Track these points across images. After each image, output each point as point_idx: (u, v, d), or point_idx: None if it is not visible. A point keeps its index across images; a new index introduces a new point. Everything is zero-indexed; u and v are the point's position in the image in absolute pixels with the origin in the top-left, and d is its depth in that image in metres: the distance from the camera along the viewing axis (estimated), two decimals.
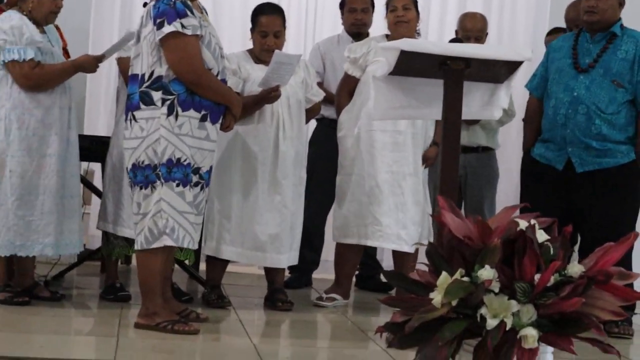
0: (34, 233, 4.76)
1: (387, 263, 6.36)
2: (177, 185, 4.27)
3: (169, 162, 4.25)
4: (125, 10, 6.78)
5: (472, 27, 5.90)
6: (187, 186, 4.29)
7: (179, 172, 4.27)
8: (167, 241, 4.27)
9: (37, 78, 4.74)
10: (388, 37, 5.37)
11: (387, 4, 5.38)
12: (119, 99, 5.23)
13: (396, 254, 5.41)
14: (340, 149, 5.39)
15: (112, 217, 5.12)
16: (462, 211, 5.84)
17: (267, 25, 5.12)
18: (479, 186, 5.96)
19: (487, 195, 5.97)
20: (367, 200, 5.24)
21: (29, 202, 4.75)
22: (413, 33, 5.33)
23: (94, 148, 5.44)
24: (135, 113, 4.30)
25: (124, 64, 5.03)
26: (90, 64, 4.91)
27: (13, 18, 4.76)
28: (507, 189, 6.35)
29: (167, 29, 4.22)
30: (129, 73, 4.39)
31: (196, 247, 4.48)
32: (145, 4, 5.42)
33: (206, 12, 4.58)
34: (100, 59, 4.92)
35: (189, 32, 4.24)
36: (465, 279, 2.82)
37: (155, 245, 4.28)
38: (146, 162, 4.28)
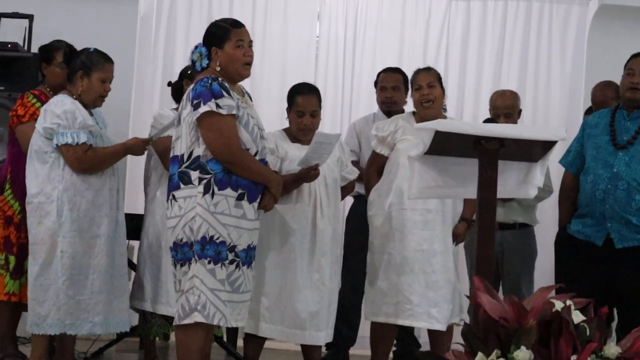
0: (84, 312, 4.84)
1: (425, 339, 6.34)
2: (209, 262, 4.32)
3: (203, 239, 4.31)
4: (164, 93, 6.89)
5: (500, 105, 5.97)
6: (219, 264, 4.33)
7: (211, 249, 4.32)
8: (197, 317, 4.30)
9: (89, 161, 4.86)
10: (415, 115, 5.42)
11: (412, 83, 5.43)
12: (150, 179, 5.32)
13: (431, 333, 5.36)
14: (371, 228, 5.38)
15: (151, 295, 5.17)
16: (500, 289, 5.87)
17: (304, 105, 5.20)
18: (516, 264, 5.93)
19: (524, 272, 5.93)
20: (397, 279, 5.21)
21: (79, 282, 4.83)
22: (440, 110, 5.36)
23: (135, 226, 5.51)
24: (175, 193, 4.38)
25: (162, 144, 5.13)
26: (139, 147, 5.03)
27: (66, 103, 4.88)
28: (545, 266, 6.28)
29: (203, 108, 4.32)
30: (171, 154, 4.47)
31: (231, 325, 4.47)
32: (169, 84, 5.57)
33: (249, 96, 4.67)
34: (148, 141, 5.04)
35: (224, 111, 4.33)
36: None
37: (186, 321, 4.32)
38: (184, 240, 4.34)
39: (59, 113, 4.85)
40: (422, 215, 5.21)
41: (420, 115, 5.29)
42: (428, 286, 5.19)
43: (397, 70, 6.30)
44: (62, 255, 4.81)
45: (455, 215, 5.40)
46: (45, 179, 4.87)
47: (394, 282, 5.22)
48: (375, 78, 6.40)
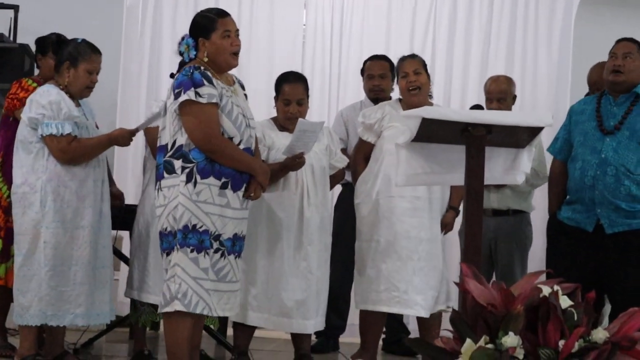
0: (66, 303, 4.81)
1: (414, 326, 6.36)
2: (192, 251, 4.31)
3: (185, 228, 4.30)
4: (151, 84, 6.89)
5: (494, 89, 5.95)
6: (202, 252, 4.32)
7: (193, 238, 4.31)
8: (177, 306, 4.29)
9: (73, 152, 4.84)
10: (401, 102, 5.41)
11: (397, 70, 5.43)
12: (146, 168, 5.32)
13: (420, 320, 5.36)
14: (358, 216, 5.37)
15: (138, 284, 5.18)
16: (494, 276, 5.87)
17: (290, 93, 5.20)
18: (509, 250, 5.91)
19: (517, 259, 5.92)
20: (385, 267, 5.20)
21: (61, 273, 4.81)
22: (426, 97, 5.36)
23: (122, 216, 5.50)
24: (161, 182, 4.39)
25: (151, 135, 5.12)
26: (125, 138, 5.00)
27: (52, 93, 4.86)
28: (537, 252, 6.26)
29: (182, 97, 4.32)
30: (158, 144, 4.47)
31: (215, 314, 4.46)
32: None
33: (242, 85, 4.66)
34: (134, 132, 5.01)
35: (203, 100, 4.32)
36: (490, 346, 2.84)
37: (166, 310, 4.32)
38: (168, 229, 4.35)
39: (44, 103, 4.84)
40: (410, 202, 5.21)
41: (407, 103, 5.29)
42: (414, 273, 5.19)
43: (383, 58, 6.29)
44: (45, 246, 4.79)
45: (444, 203, 5.39)
46: (29, 169, 4.85)
47: (382, 269, 5.22)
48: (362, 66, 6.39)
